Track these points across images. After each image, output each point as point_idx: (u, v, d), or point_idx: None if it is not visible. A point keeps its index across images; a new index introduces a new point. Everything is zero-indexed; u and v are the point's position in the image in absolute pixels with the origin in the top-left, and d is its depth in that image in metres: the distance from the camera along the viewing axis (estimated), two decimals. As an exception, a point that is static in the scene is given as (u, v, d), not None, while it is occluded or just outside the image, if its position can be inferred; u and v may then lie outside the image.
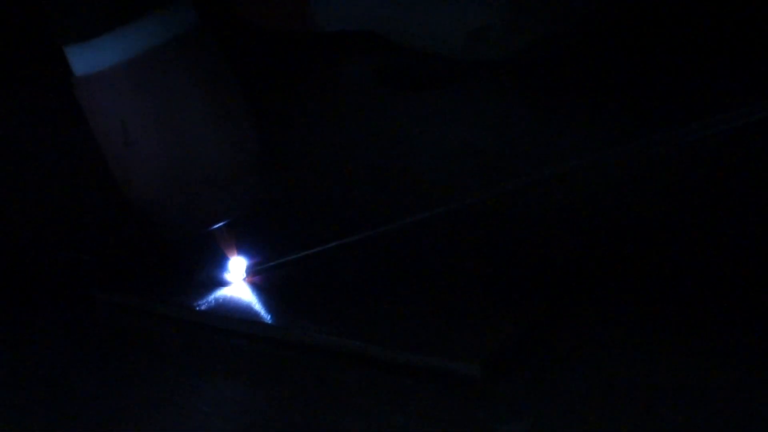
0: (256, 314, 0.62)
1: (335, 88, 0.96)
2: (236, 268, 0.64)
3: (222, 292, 0.64)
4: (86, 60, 0.60)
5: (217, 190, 0.61)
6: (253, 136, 0.63)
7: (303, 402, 0.55)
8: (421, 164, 0.81)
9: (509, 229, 0.69)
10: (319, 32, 0.92)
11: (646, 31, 0.97)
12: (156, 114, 0.60)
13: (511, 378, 0.56)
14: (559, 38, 0.93)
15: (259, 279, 0.64)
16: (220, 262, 0.64)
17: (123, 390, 0.58)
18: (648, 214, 0.70)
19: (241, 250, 0.65)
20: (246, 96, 0.63)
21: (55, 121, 0.89)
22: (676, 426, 0.52)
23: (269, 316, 0.61)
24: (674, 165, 0.73)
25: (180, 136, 0.60)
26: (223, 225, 0.63)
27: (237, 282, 0.64)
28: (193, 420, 0.55)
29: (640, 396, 0.54)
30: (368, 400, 0.55)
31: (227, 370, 0.59)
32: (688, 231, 0.68)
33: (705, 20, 0.96)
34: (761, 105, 0.55)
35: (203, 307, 0.63)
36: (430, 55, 0.96)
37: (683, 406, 0.53)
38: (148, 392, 0.57)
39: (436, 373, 0.56)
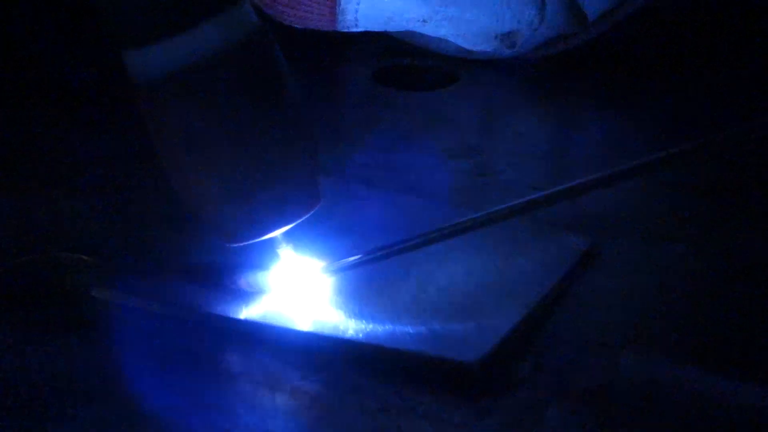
0: (263, 316, 0.62)
1: (339, 89, 0.96)
2: (291, 273, 0.64)
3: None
4: (148, 65, 0.59)
5: (279, 196, 0.61)
6: (313, 140, 0.62)
7: (303, 402, 0.55)
8: (423, 167, 0.81)
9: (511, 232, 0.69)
10: (345, 32, 0.92)
11: (659, 34, 0.97)
12: (219, 120, 0.59)
13: (510, 378, 0.56)
14: (577, 35, 0.94)
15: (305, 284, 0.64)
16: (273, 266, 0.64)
17: (123, 390, 0.57)
18: (648, 216, 0.71)
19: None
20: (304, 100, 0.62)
21: (54, 121, 0.89)
22: (675, 425, 0.52)
23: (275, 318, 0.61)
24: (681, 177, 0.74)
25: (243, 142, 0.59)
26: (281, 231, 0.63)
27: (290, 287, 0.64)
28: (195, 423, 0.55)
29: (640, 395, 0.54)
30: (368, 400, 0.55)
31: (227, 371, 0.59)
32: (688, 239, 0.68)
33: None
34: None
35: (203, 307, 0.63)
36: (449, 56, 0.97)
37: (683, 406, 0.53)
38: (147, 393, 0.57)
39: (436, 372, 0.56)
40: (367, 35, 0.94)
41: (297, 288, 0.64)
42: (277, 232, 0.62)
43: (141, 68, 0.59)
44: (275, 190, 0.60)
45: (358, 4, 0.90)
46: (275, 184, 0.60)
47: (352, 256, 0.63)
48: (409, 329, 0.59)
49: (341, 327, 0.60)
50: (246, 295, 0.64)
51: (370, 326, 0.60)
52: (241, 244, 0.62)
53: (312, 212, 0.62)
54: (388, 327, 0.59)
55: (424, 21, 0.89)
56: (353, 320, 0.60)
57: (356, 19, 0.91)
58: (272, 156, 0.60)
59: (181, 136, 0.59)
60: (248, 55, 0.59)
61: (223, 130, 0.59)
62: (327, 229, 0.66)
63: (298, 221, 0.62)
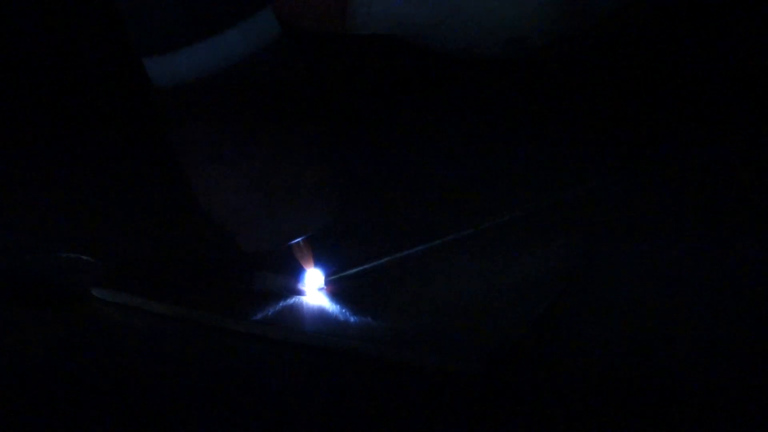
0: (264, 316, 0.62)
1: (343, 90, 0.97)
2: (311, 279, 0.64)
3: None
4: (171, 71, 0.58)
5: (301, 204, 0.61)
6: (334, 147, 0.62)
7: (302, 402, 0.56)
8: (424, 169, 0.81)
9: (510, 232, 0.69)
10: (355, 34, 0.92)
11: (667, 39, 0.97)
12: (242, 127, 0.59)
13: (511, 377, 0.56)
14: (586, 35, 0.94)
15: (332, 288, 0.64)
16: (296, 272, 0.64)
17: (122, 390, 0.58)
18: (644, 220, 0.71)
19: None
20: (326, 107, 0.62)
21: (54, 121, 0.89)
22: (674, 424, 0.52)
23: (277, 319, 0.62)
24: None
25: (265, 149, 0.59)
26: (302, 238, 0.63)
27: (311, 292, 0.64)
28: (192, 422, 0.55)
29: (639, 395, 0.54)
30: (368, 400, 0.55)
31: (225, 370, 0.59)
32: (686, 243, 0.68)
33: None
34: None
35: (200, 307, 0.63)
36: (457, 59, 0.97)
37: (681, 406, 0.53)
38: (147, 393, 0.57)
39: (437, 371, 0.56)
40: (376, 37, 0.95)
41: (304, 290, 0.64)
42: (293, 240, 0.62)
43: (164, 74, 0.59)
44: (295, 198, 0.60)
45: (368, 6, 0.90)
46: (295, 193, 0.60)
47: (358, 261, 0.64)
48: (411, 335, 0.59)
49: (344, 330, 0.60)
50: (248, 296, 0.64)
51: (373, 331, 0.60)
52: (258, 251, 0.62)
53: (330, 220, 0.62)
54: (390, 332, 0.59)
55: (434, 24, 0.90)
56: (356, 324, 0.60)
57: (366, 21, 0.91)
58: (293, 163, 0.60)
59: (202, 142, 0.59)
60: (270, 63, 0.59)
61: (244, 138, 0.59)
62: (335, 233, 0.66)
63: (317, 230, 0.62)
